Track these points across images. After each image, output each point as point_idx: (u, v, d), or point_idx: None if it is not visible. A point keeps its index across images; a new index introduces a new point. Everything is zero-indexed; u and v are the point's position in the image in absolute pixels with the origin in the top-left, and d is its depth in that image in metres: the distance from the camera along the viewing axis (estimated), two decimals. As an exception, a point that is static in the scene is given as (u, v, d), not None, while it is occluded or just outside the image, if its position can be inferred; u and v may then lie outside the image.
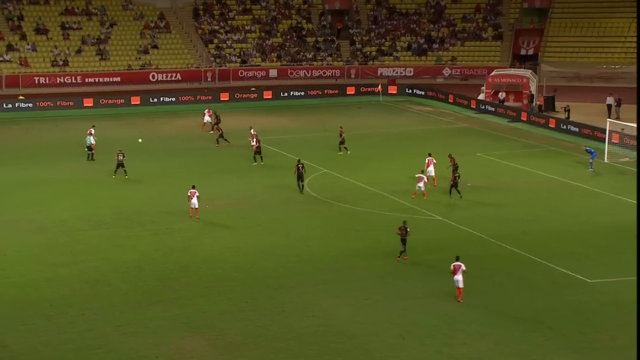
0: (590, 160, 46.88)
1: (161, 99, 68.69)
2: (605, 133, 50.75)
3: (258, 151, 47.73)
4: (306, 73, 79.78)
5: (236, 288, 29.86)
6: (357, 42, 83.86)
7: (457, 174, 41.17)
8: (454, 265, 28.98)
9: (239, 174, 46.31)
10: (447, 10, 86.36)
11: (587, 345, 25.59)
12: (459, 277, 28.77)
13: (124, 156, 44.73)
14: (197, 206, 37.69)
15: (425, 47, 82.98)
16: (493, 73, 69.62)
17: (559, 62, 78.85)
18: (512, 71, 70.92)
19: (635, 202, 40.39)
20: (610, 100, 62.97)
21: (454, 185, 40.68)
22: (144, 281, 30.51)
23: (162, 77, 76.32)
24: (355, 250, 33.94)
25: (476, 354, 25.08)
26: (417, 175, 40.73)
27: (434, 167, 43.12)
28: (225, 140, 52.56)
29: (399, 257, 32.60)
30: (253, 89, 72.58)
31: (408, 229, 32.65)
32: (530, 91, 66.48)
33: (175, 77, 76.63)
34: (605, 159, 49.19)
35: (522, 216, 38.33)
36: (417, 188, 40.31)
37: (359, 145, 52.59)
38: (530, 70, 70.90)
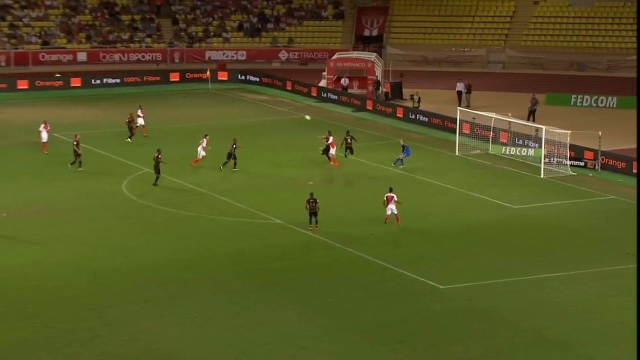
0: (402, 157, 47.17)
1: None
2: (455, 123, 52.82)
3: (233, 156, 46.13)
4: (122, 57, 78.37)
5: (40, 311, 29.06)
6: (180, 21, 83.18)
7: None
8: (387, 197, 37.34)
9: (44, 177, 45.06)
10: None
11: (439, 357, 26.58)
12: (392, 207, 37.29)
13: None
14: None
15: (259, 27, 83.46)
16: (335, 56, 70.94)
17: (405, 45, 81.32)
18: (356, 54, 72.50)
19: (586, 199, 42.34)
20: (460, 86, 65.67)
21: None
22: None
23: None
24: (183, 261, 33.77)
25: (321, 373, 25.53)
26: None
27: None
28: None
29: (311, 226, 36.60)
30: (58, 75, 70.90)
31: (317, 200, 36.48)
32: (376, 77, 68.22)
33: (-39, 61, 73.42)
34: (457, 151, 51.24)
35: (370, 216, 39.27)
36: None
37: (185, 141, 52.20)
38: (375, 54, 72.63)
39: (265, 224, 38.41)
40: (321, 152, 47.67)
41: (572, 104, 65.81)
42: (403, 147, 47.63)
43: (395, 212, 37.60)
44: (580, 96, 65.95)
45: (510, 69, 77.59)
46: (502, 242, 36.79)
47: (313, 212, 36.82)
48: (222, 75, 73.65)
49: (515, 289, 31.57)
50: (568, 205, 42.30)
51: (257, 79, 72.96)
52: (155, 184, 43.02)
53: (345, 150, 48.44)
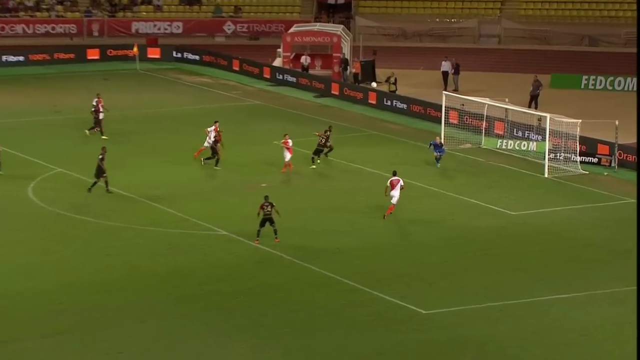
0: (438, 157, 48.01)
1: None
2: (441, 111, 53.11)
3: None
4: (25, 29, 78.07)
5: None
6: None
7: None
8: (391, 181, 39.36)
9: None
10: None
11: (424, 398, 26.81)
12: (395, 193, 39.16)
13: None
14: None
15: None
16: (292, 29, 71.04)
17: (378, 15, 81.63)
18: (318, 27, 72.69)
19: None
20: (446, 65, 66.05)
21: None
22: None
23: None
24: (105, 284, 33.67)
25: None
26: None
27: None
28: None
29: (257, 239, 36.80)
30: (-55, 52, 70.70)
31: (274, 204, 36.80)
32: (343, 54, 68.46)
33: None
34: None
35: (337, 227, 39.43)
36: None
37: (107, 134, 51.95)
38: (342, 26, 72.95)
39: (207, 235, 38.41)
40: (312, 152, 47.16)
41: (582, 86, 66.53)
42: (432, 144, 47.66)
43: (395, 202, 39.33)
44: (592, 77, 66.66)
45: (507, 44, 78.23)
46: (498, 256, 37.06)
47: (268, 219, 36.79)
48: (153, 53, 73.51)
49: (514, 314, 31.83)
50: (578, 211, 42.74)
51: (197, 57, 72.88)
52: (108, 190, 42.59)
53: (328, 151, 48.15)
